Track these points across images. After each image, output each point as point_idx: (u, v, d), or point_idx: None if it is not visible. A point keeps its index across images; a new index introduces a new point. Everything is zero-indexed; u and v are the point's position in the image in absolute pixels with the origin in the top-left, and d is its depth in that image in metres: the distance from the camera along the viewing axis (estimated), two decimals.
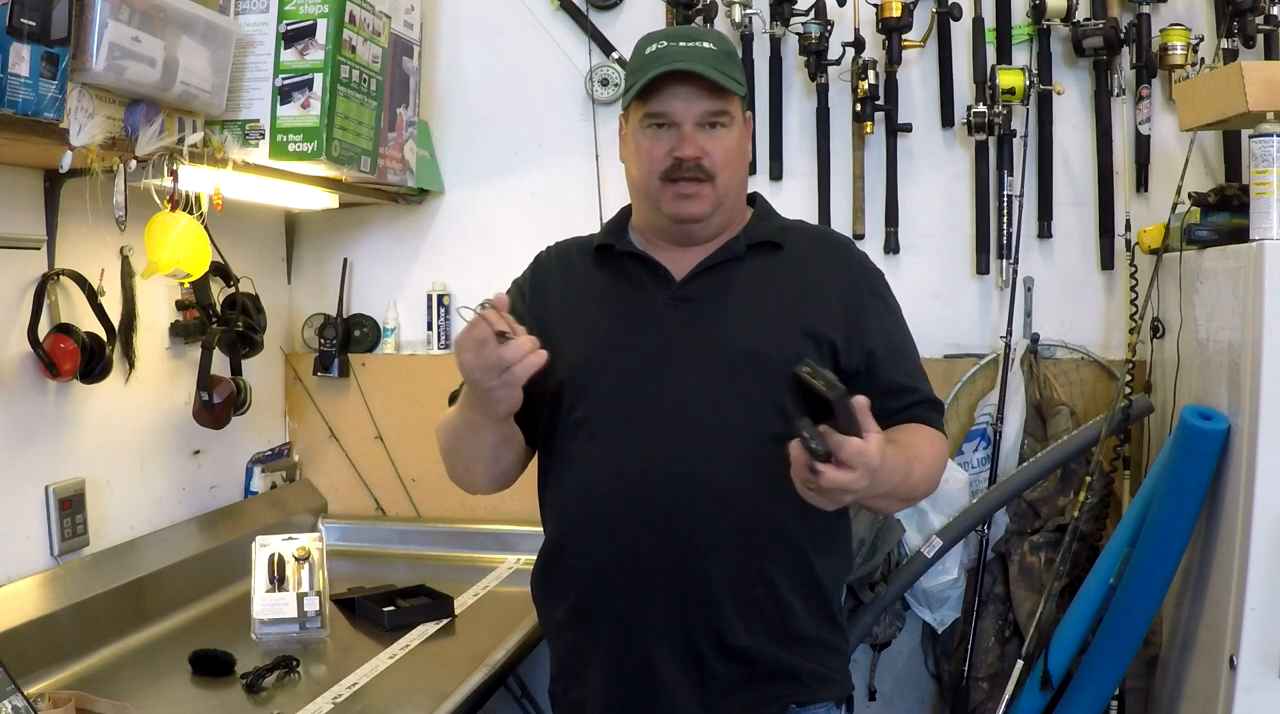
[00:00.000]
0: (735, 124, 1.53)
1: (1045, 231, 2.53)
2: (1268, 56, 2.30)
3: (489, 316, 1.34)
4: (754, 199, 1.67)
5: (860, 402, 1.25)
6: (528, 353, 1.35)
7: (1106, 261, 2.50)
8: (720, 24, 2.56)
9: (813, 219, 2.56)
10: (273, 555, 2.10)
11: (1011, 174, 2.50)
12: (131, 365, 2.16)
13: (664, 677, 1.48)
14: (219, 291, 2.39)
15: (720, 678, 1.48)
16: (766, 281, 1.55)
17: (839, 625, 1.58)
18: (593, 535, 1.53)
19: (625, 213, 1.66)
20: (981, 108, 2.43)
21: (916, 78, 2.58)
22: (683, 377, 1.49)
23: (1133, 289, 2.36)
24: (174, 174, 1.85)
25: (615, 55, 2.65)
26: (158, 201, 1.90)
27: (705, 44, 1.52)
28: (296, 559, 2.10)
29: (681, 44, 1.52)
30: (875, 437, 1.26)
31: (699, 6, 2.49)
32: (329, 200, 2.48)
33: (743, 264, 1.56)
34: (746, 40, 2.56)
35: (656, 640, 1.48)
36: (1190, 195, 2.15)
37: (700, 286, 1.55)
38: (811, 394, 1.25)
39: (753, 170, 2.54)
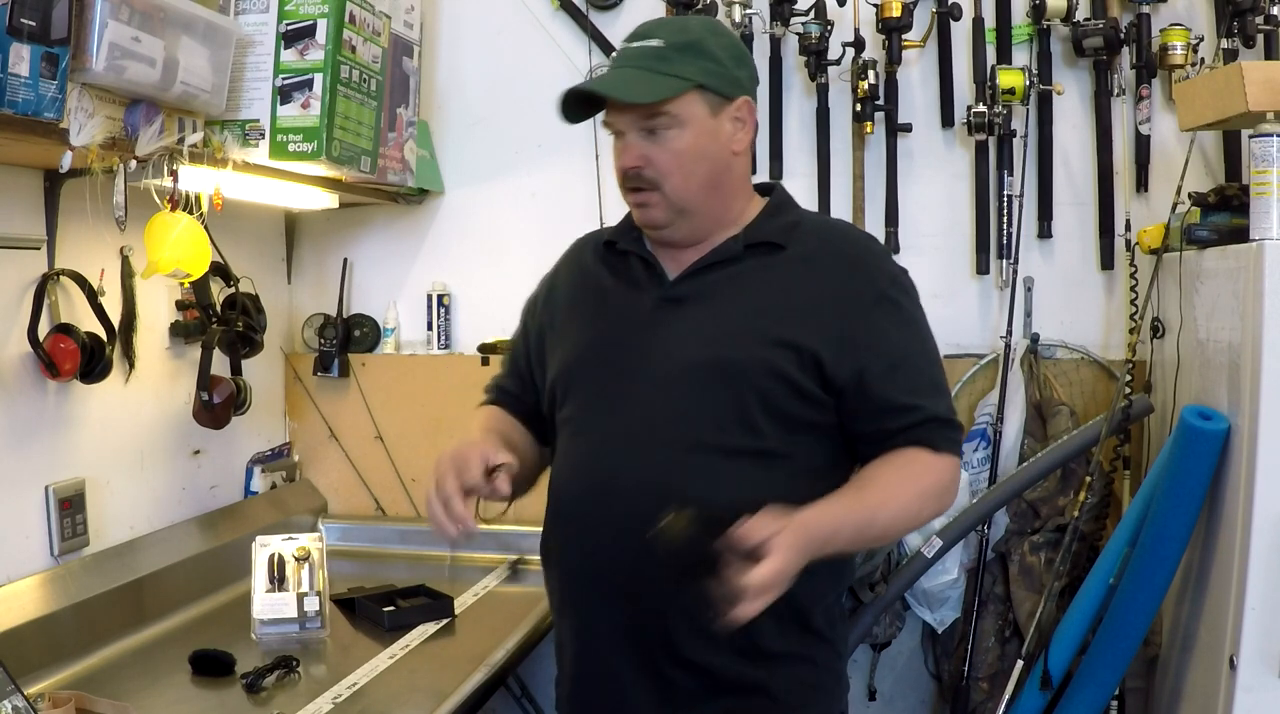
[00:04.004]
0: (689, 123, 1.44)
1: (1045, 231, 2.53)
2: (1268, 56, 2.30)
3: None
4: (772, 189, 1.60)
5: (745, 534, 1.21)
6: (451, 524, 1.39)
7: (1106, 261, 2.50)
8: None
9: None
10: (273, 555, 2.10)
11: (1011, 174, 2.50)
12: (131, 365, 2.16)
13: (624, 683, 1.48)
14: (219, 291, 2.39)
15: (681, 688, 1.46)
16: (758, 285, 1.48)
17: (824, 638, 1.51)
18: (562, 538, 1.54)
19: None
20: (981, 108, 2.42)
21: (916, 78, 2.58)
22: (654, 382, 1.46)
23: (1133, 289, 2.36)
24: (174, 174, 1.85)
25: (615, 55, 2.64)
26: (158, 201, 1.90)
27: (653, 41, 1.46)
28: (296, 559, 2.10)
29: (633, 44, 1.48)
30: (781, 539, 1.22)
31: (699, 7, 2.49)
32: (329, 200, 2.48)
33: (738, 265, 1.50)
34: (747, 40, 2.55)
35: (615, 648, 1.48)
36: (1190, 195, 2.15)
37: (690, 288, 1.50)
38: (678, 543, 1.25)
39: (753, 170, 2.53)
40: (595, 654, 1.52)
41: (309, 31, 2.03)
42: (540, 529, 1.61)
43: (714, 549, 1.23)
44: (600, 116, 1.54)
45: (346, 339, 2.80)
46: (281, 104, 2.03)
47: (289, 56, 2.03)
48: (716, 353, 1.44)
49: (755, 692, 1.46)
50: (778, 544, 1.22)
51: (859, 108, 2.50)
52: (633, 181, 1.48)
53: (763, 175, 2.60)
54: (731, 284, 1.49)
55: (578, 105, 1.50)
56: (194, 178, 1.93)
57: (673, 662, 1.45)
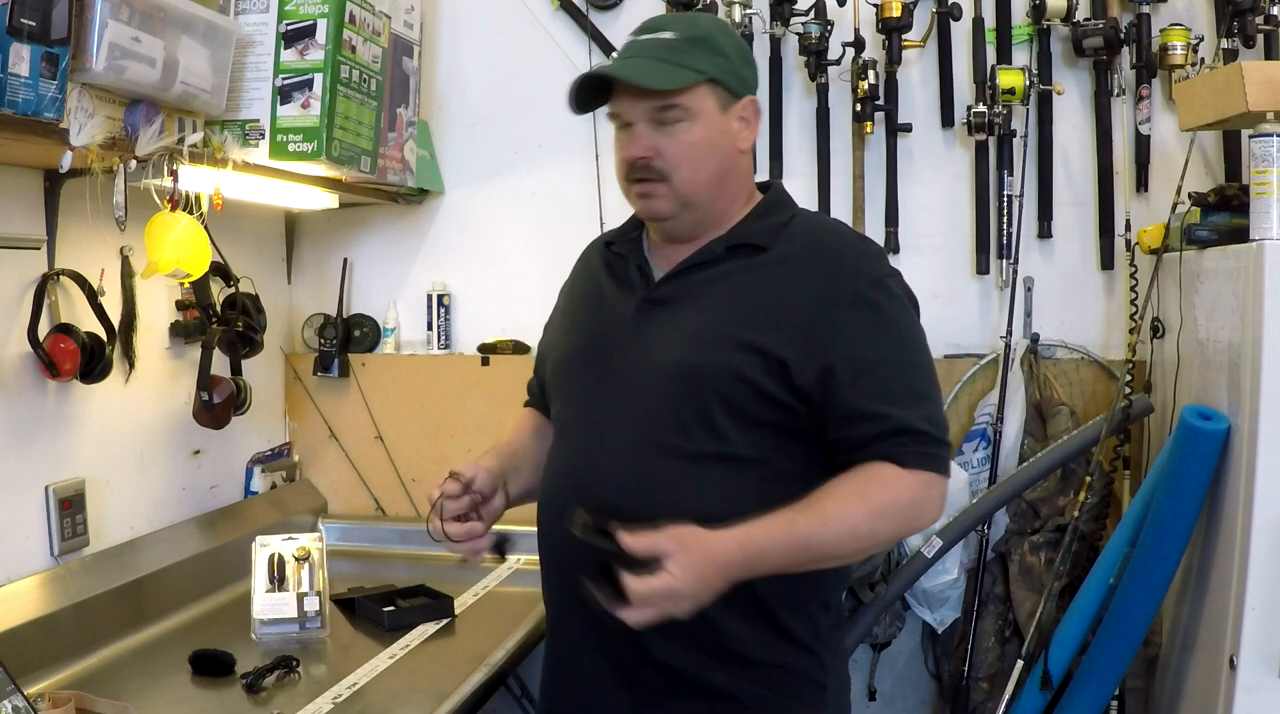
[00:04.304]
0: (700, 116, 1.44)
1: (1045, 231, 2.53)
2: (1268, 56, 2.30)
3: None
4: (769, 187, 1.59)
5: (630, 541, 1.24)
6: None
7: (1106, 261, 2.50)
8: None
9: None
10: (273, 555, 2.10)
11: (1011, 174, 2.50)
12: (131, 365, 2.16)
13: (593, 677, 1.49)
14: (219, 291, 2.39)
15: (648, 685, 1.46)
16: (733, 288, 1.46)
17: (806, 647, 1.48)
18: (540, 536, 1.57)
19: None
20: (981, 108, 2.43)
21: (916, 78, 2.58)
22: (628, 385, 1.47)
23: (1133, 289, 2.36)
24: (174, 174, 1.85)
25: (615, 55, 2.64)
26: (158, 201, 1.90)
27: (665, 34, 1.45)
28: (296, 559, 2.10)
29: (643, 37, 1.48)
30: (675, 561, 1.23)
31: (699, 7, 2.49)
32: (329, 200, 2.48)
33: (719, 266, 1.48)
34: (747, 40, 2.55)
35: (585, 643, 1.50)
36: (1190, 195, 2.15)
37: (671, 290, 1.50)
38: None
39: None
40: (567, 649, 1.55)
41: (309, 31, 2.03)
42: (535, 529, 1.62)
43: (608, 550, 1.25)
44: (604, 112, 1.53)
45: (346, 339, 2.80)
46: (281, 104, 2.02)
47: (289, 56, 2.03)
48: (683, 357, 1.43)
49: (723, 697, 1.45)
50: (671, 564, 1.23)
51: (859, 108, 2.50)
52: (639, 172, 1.46)
53: (762, 175, 2.60)
54: (710, 286, 1.48)
55: (585, 94, 1.50)
56: (194, 178, 1.92)
57: (640, 660, 1.45)
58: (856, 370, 1.39)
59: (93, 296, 2.00)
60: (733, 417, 1.41)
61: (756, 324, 1.42)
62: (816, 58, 2.50)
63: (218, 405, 2.29)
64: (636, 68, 1.43)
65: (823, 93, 2.56)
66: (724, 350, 1.41)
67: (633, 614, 1.24)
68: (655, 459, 1.42)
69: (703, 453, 1.41)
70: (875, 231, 2.58)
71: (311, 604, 2.09)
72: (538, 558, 1.60)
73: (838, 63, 2.52)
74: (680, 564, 1.24)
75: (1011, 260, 2.49)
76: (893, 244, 2.56)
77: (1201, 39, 2.37)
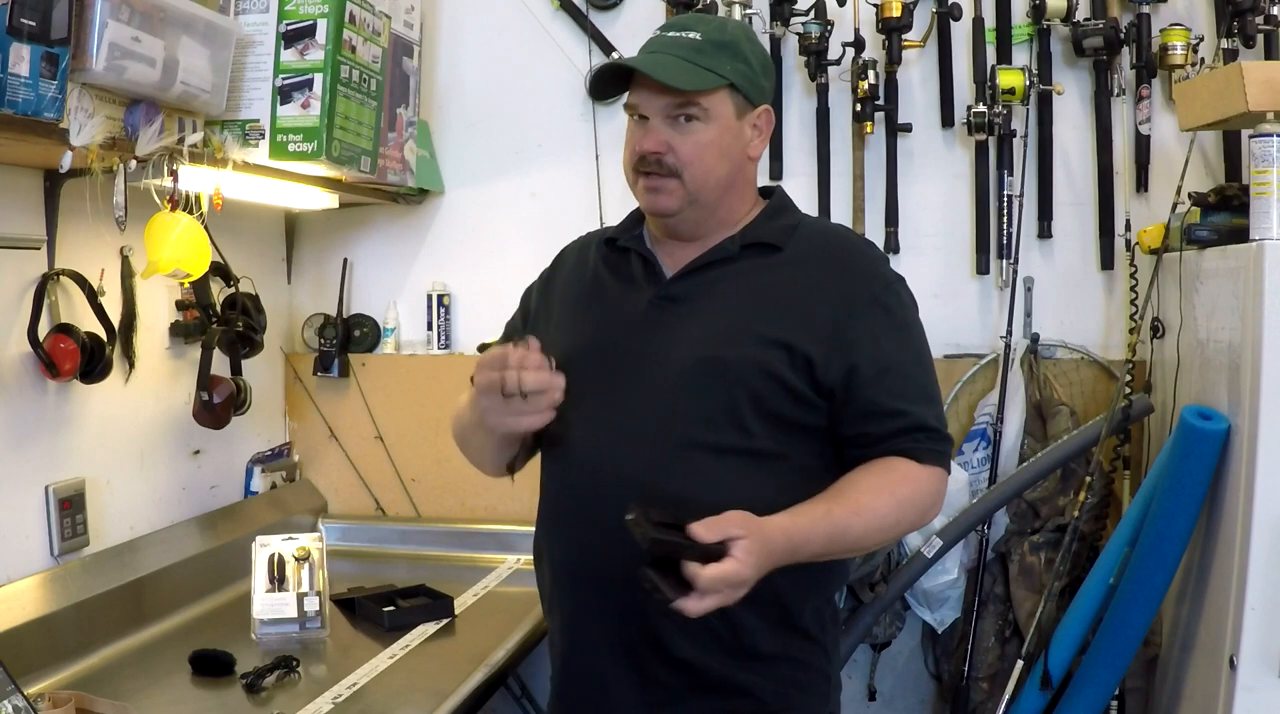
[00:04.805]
0: (715, 119, 1.46)
1: (1045, 231, 2.53)
2: (1268, 56, 2.30)
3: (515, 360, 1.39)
4: (773, 192, 1.61)
5: (702, 532, 1.22)
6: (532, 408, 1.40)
7: (1106, 261, 2.50)
8: None
9: None
10: (273, 555, 2.10)
11: (1011, 174, 2.50)
12: (131, 365, 2.16)
13: (607, 679, 1.48)
14: (219, 291, 2.39)
15: (664, 686, 1.46)
16: (753, 286, 1.48)
17: (815, 640, 1.51)
18: (552, 536, 1.55)
19: None
20: (981, 108, 2.42)
21: (916, 78, 2.58)
22: (647, 381, 1.47)
23: (1133, 289, 2.36)
24: (174, 174, 1.85)
25: (615, 55, 2.65)
26: (158, 201, 1.90)
27: (691, 34, 1.47)
28: (296, 559, 2.10)
29: (670, 34, 1.49)
30: (742, 546, 1.22)
31: (699, 7, 2.49)
32: (329, 200, 2.48)
33: (734, 265, 1.50)
34: None
35: (601, 644, 1.49)
36: (1190, 195, 2.15)
37: (686, 287, 1.51)
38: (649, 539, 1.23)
39: None
40: (580, 651, 1.53)
41: (309, 31, 2.03)
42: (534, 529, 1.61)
43: (679, 545, 1.23)
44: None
45: (346, 339, 2.80)
46: (281, 104, 2.03)
47: (289, 56, 2.03)
48: (709, 352, 1.44)
49: (739, 693, 1.46)
50: (738, 549, 1.23)
51: (859, 108, 2.50)
52: (650, 166, 1.47)
53: (763, 175, 2.59)
54: (727, 284, 1.50)
55: (605, 82, 1.51)
56: (194, 178, 1.93)
57: (658, 659, 1.45)
58: (876, 369, 1.43)
59: (93, 296, 2.00)
60: (757, 411, 1.42)
61: (781, 321, 1.45)
62: (816, 58, 2.50)
63: (218, 405, 2.29)
64: (661, 64, 1.44)
65: (823, 93, 2.56)
66: (750, 345, 1.44)
67: (694, 603, 1.23)
68: (679, 453, 1.43)
69: (728, 447, 1.42)
70: (875, 231, 2.58)
71: (311, 604, 2.09)
72: (536, 557, 1.60)
73: (838, 63, 2.52)
74: (746, 548, 1.24)
75: (1011, 260, 2.49)
76: (893, 244, 2.56)
77: (1201, 39, 2.37)
